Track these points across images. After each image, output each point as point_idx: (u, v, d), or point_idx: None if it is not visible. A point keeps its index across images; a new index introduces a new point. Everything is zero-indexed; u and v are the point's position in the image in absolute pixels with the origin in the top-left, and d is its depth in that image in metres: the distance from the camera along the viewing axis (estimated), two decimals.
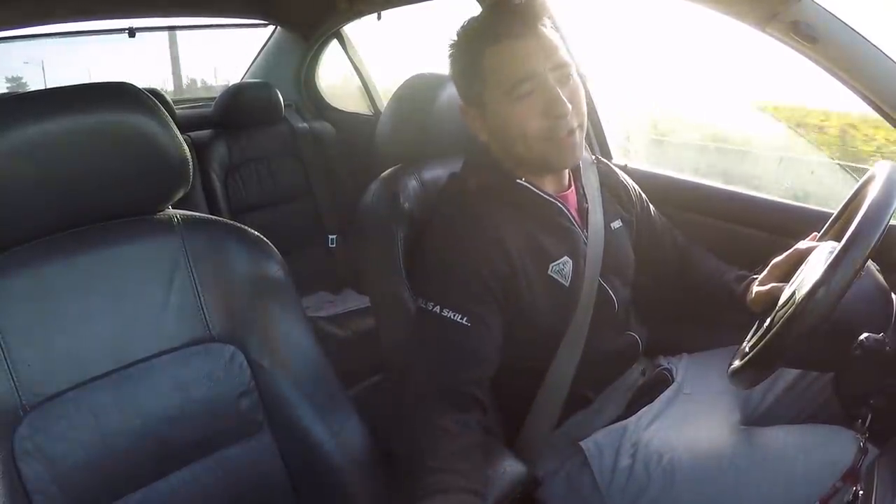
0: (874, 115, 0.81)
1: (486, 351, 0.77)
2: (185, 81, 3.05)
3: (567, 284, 0.84)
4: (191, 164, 0.74)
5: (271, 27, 2.21)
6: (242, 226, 0.81)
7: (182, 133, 0.74)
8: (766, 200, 1.11)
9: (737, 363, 0.69)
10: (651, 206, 1.04)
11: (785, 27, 0.78)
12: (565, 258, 0.84)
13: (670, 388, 0.91)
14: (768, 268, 0.85)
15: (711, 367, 0.91)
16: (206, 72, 3.26)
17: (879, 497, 0.57)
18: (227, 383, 0.75)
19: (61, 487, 0.65)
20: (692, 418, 0.85)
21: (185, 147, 0.73)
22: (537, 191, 0.85)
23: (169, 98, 1.97)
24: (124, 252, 0.72)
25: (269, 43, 2.26)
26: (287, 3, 1.95)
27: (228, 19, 2.19)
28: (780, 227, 1.03)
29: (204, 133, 1.92)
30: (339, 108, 2.28)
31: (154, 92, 1.84)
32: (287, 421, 0.77)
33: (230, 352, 0.76)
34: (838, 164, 1.41)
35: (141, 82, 1.78)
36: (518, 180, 0.84)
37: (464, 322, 0.75)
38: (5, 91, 2.27)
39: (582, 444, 0.84)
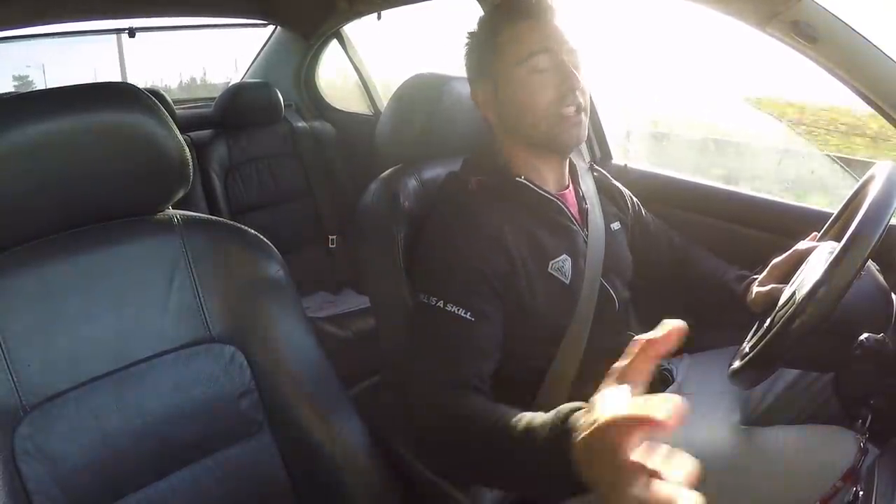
0: None
1: (489, 345, 0.77)
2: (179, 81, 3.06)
3: (567, 282, 0.84)
4: (191, 164, 0.74)
5: (271, 27, 2.21)
6: (242, 226, 0.81)
7: (182, 133, 0.74)
8: (766, 200, 1.11)
9: (737, 363, 0.69)
10: (643, 209, 1.05)
11: (785, 27, 0.78)
12: (564, 256, 0.84)
13: (671, 388, 0.91)
14: (768, 268, 0.85)
15: (712, 368, 0.91)
16: (196, 72, 3.26)
17: (879, 497, 0.57)
18: (227, 384, 0.75)
19: (62, 488, 0.64)
20: (692, 418, 0.85)
21: (185, 147, 0.73)
22: (537, 189, 0.85)
23: (169, 98, 1.97)
24: (124, 252, 0.72)
25: (269, 43, 2.26)
26: (287, 3, 1.95)
27: (228, 19, 2.19)
28: (780, 227, 1.03)
29: (204, 133, 1.92)
30: (339, 108, 2.28)
31: (154, 92, 1.83)
32: (287, 421, 0.77)
33: (230, 352, 0.76)
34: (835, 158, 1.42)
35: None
36: (518, 178, 0.85)
37: (467, 316, 0.75)
38: (12, 90, 2.27)
39: None
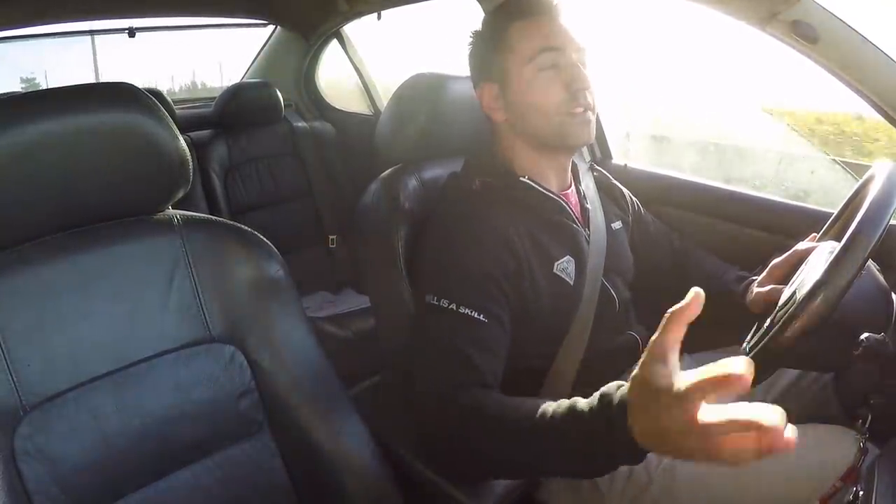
0: None
1: (499, 346, 0.77)
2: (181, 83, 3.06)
3: (571, 283, 0.84)
4: (191, 164, 0.74)
5: (271, 27, 2.21)
6: (242, 226, 0.81)
7: (182, 133, 0.74)
8: (766, 200, 1.11)
9: None
10: (643, 209, 1.05)
11: (785, 27, 0.78)
12: (568, 257, 0.85)
13: None
14: (768, 269, 0.85)
15: None
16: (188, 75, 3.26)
17: (879, 497, 0.57)
18: (227, 383, 0.75)
19: (62, 488, 0.64)
20: None
21: (185, 147, 0.73)
22: (540, 188, 0.85)
23: (169, 98, 1.97)
24: (124, 252, 0.72)
25: (269, 43, 2.26)
26: (287, 3, 1.95)
27: (228, 19, 2.19)
28: (780, 227, 1.03)
29: (204, 133, 1.92)
30: (339, 108, 2.28)
31: (154, 92, 1.84)
32: (287, 421, 0.77)
33: (230, 352, 0.76)
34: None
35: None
36: (521, 178, 0.85)
37: (481, 318, 0.75)
38: (20, 90, 2.27)
39: None
